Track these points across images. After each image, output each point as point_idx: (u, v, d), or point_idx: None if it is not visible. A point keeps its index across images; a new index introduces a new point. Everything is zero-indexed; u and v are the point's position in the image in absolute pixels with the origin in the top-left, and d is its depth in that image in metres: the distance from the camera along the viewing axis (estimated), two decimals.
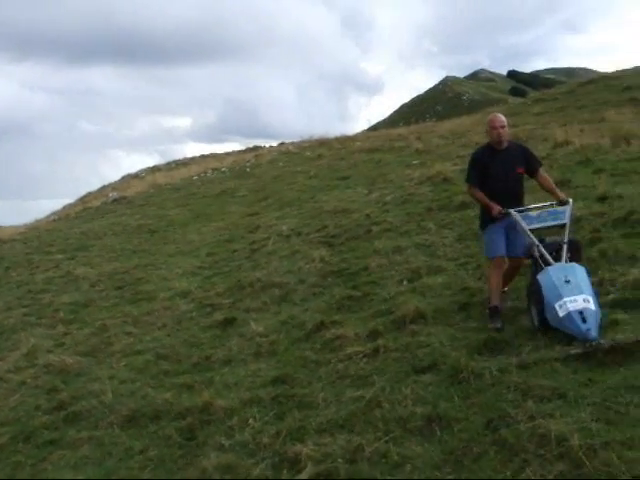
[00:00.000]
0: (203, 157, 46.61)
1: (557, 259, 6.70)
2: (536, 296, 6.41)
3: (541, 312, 6.28)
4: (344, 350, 6.98)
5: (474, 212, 11.62)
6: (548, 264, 6.63)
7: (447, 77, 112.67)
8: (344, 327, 7.68)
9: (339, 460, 4.77)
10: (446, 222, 11.61)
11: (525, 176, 7.58)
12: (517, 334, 6.49)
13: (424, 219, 12.13)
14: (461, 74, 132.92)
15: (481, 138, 24.01)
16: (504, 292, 7.57)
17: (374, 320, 7.73)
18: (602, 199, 10.52)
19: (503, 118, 7.43)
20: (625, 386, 4.96)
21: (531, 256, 7.04)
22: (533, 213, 7.12)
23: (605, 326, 6.02)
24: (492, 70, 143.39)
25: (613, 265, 7.60)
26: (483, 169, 7.37)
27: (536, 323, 6.41)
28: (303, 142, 33.84)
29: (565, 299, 6.00)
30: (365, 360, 6.63)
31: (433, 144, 22.56)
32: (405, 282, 8.98)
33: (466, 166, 7.83)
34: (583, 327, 5.73)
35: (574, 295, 6.01)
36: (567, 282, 6.15)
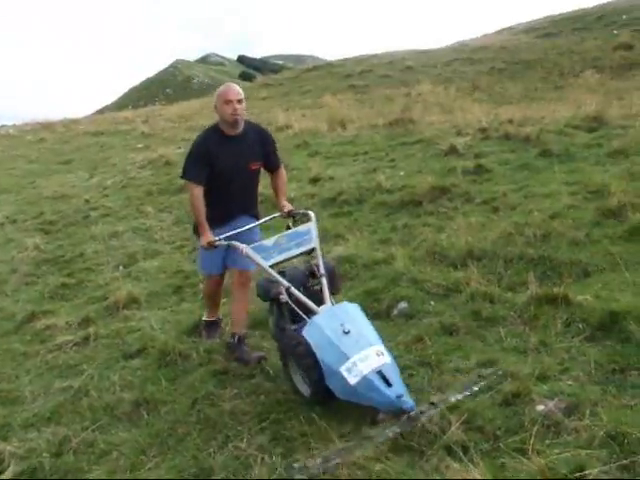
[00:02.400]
0: None
1: (313, 297, 4.95)
2: (305, 361, 4.56)
3: (317, 382, 4.48)
4: (54, 340, 6.75)
5: None
6: (308, 311, 4.84)
7: (177, 60, 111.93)
8: (56, 316, 7.43)
9: (44, 455, 4.61)
10: (165, 206, 11.65)
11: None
12: None
13: (143, 203, 12.05)
14: (192, 57, 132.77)
15: (208, 121, 24.22)
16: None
17: (87, 307, 7.55)
18: (315, 181, 11.02)
19: (240, 89, 5.52)
20: None
21: (272, 299, 5.26)
22: (269, 242, 5.21)
23: None
24: (222, 54, 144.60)
25: (320, 244, 7.94)
26: (209, 161, 5.45)
27: (308, 395, 4.66)
28: (25, 125, 32.12)
29: (353, 359, 4.28)
30: (75, 349, 6.46)
31: (159, 127, 22.41)
32: (121, 267, 8.87)
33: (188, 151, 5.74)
34: (391, 393, 4.10)
35: (362, 350, 4.33)
36: (347, 333, 4.40)
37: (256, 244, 5.19)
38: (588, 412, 3.94)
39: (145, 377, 5.50)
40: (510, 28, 39.92)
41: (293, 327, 4.95)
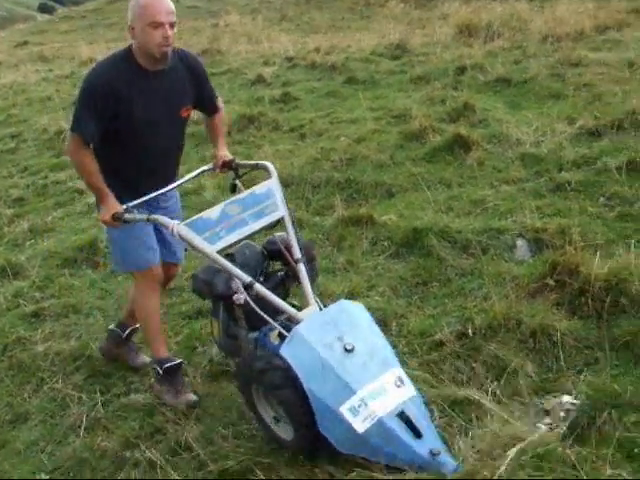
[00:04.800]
0: None
1: (275, 289, 3.41)
2: (282, 393, 3.00)
3: (305, 429, 2.96)
4: None
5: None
6: (277, 312, 3.26)
7: None
8: None
9: None
10: None
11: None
12: None
13: None
14: None
15: (6, 57, 22.88)
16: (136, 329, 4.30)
17: None
18: None
19: (172, 5, 3.54)
20: None
21: (219, 297, 3.42)
22: (213, 213, 3.27)
23: None
24: None
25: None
26: (115, 108, 3.52)
27: (289, 441, 3.12)
28: None
29: (361, 393, 2.82)
30: None
31: None
32: None
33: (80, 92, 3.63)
34: (421, 449, 2.74)
35: (375, 378, 2.89)
36: (349, 351, 2.91)
37: (194, 218, 3.25)
38: (395, 324, 4.20)
39: None
40: None
41: (253, 335, 3.41)
